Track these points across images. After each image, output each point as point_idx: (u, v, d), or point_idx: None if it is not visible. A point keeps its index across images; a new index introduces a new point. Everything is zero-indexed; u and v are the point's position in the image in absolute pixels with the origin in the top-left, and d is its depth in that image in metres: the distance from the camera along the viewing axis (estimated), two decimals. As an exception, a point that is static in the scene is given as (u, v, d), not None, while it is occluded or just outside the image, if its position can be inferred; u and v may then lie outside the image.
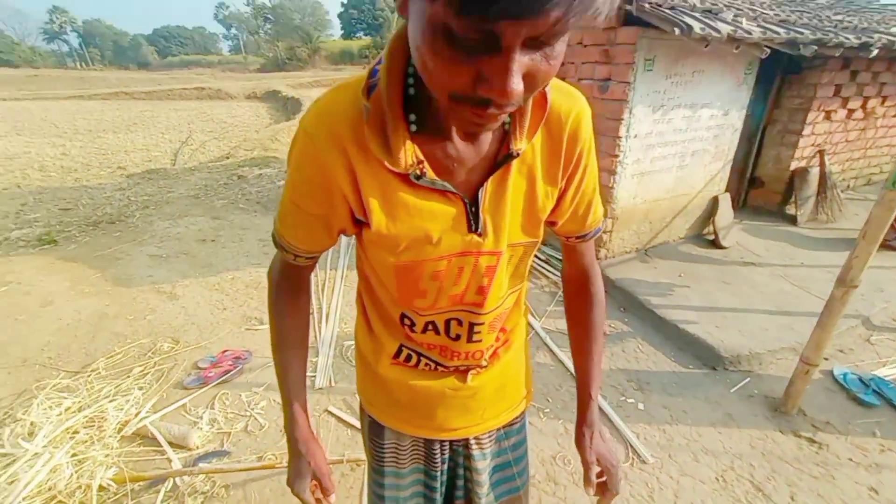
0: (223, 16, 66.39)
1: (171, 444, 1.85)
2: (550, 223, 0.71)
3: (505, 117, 0.47)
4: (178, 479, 1.68)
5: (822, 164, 4.17)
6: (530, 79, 0.40)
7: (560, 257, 3.50)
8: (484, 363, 0.75)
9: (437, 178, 0.55)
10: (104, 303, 2.98)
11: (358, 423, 1.94)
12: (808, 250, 3.63)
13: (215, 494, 1.65)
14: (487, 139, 0.57)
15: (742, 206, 4.69)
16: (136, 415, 1.98)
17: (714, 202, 3.71)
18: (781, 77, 4.02)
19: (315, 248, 0.66)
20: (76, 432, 1.85)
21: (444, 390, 0.75)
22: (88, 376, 2.24)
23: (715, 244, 3.67)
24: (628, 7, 2.58)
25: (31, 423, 1.86)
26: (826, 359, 2.24)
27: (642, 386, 2.24)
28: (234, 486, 1.68)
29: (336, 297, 3.01)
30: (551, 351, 2.49)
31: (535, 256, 3.49)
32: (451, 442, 0.83)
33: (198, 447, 1.85)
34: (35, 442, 1.74)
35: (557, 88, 0.59)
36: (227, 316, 2.85)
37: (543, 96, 0.55)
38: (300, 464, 0.75)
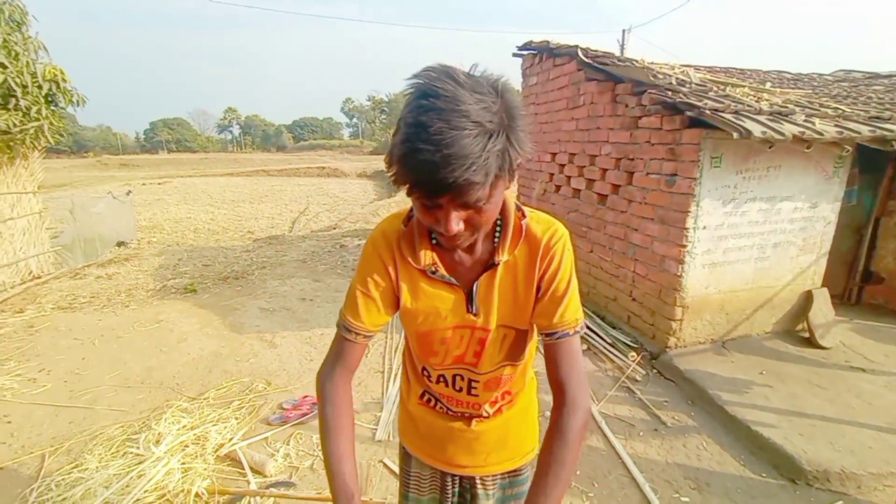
0: (348, 108, 78.44)
1: (251, 468, 2.18)
2: (534, 319, 0.86)
3: (467, 241, 0.75)
4: (252, 499, 1.97)
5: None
6: (469, 222, 0.70)
7: (626, 342, 3.45)
8: (484, 414, 0.97)
9: (446, 274, 0.84)
10: (220, 344, 3.60)
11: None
12: (938, 362, 3.11)
13: (279, 519, 1.90)
14: (483, 251, 0.84)
15: (854, 303, 4.20)
16: (230, 440, 2.37)
17: (807, 297, 3.43)
18: (894, 165, 3.77)
19: (371, 324, 0.86)
20: (186, 446, 2.28)
21: (454, 430, 0.99)
22: (201, 403, 2.74)
23: (811, 343, 3.33)
24: (689, 113, 2.78)
25: (159, 433, 2.35)
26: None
27: (701, 486, 2.09)
28: (295, 515, 1.92)
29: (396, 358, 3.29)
30: (605, 436, 2.45)
31: (601, 339, 3.49)
32: (460, 479, 1.04)
33: (271, 475, 2.15)
34: (160, 448, 2.20)
35: (535, 219, 0.85)
36: (313, 367, 3.27)
37: (520, 226, 0.83)
38: None
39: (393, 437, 2.45)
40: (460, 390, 0.95)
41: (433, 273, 0.84)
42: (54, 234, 6.40)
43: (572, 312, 0.83)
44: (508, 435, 1.01)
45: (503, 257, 0.82)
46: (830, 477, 2.13)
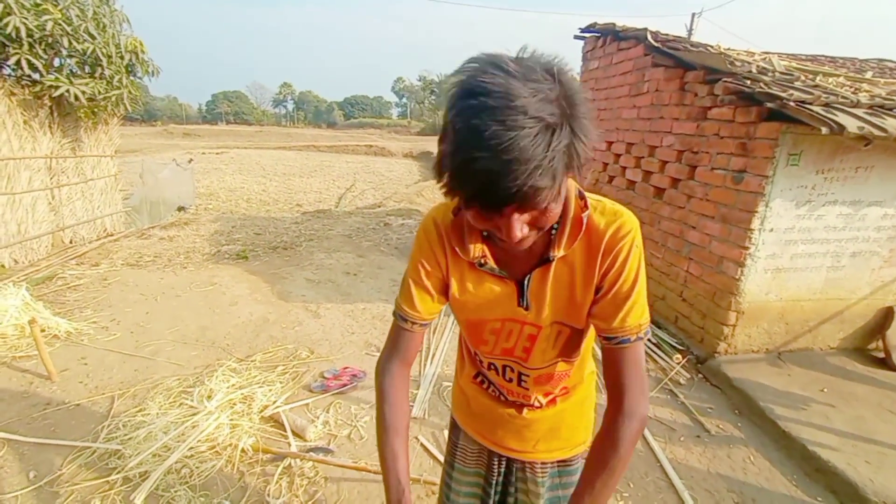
0: (399, 87, 78.66)
1: (293, 432, 2.30)
2: (592, 320, 0.81)
3: (531, 241, 0.69)
4: (293, 461, 2.08)
5: None
6: (533, 224, 0.64)
7: (672, 343, 3.31)
8: (536, 404, 0.95)
9: (496, 266, 0.80)
10: (268, 310, 3.78)
11: (439, 455, 2.15)
12: None
13: (316, 481, 2.00)
14: (538, 243, 0.76)
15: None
16: (274, 402, 2.50)
17: (887, 313, 3.13)
18: None
19: (425, 312, 0.86)
20: (235, 404, 2.43)
21: (504, 415, 0.98)
22: (249, 365, 2.90)
23: (886, 364, 3.05)
24: (770, 105, 2.55)
25: (210, 389, 2.51)
26: None
27: (745, 501, 1.99)
28: (331, 480, 2.01)
29: (444, 340, 3.32)
30: (644, 438, 2.37)
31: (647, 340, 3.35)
32: (508, 459, 1.03)
33: (311, 440, 2.26)
34: (211, 403, 2.35)
35: (600, 210, 0.77)
36: (354, 339, 3.37)
37: (580, 219, 0.75)
38: None
39: (429, 415, 2.50)
40: (510, 381, 0.93)
41: (482, 265, 0.80)
42: (126, 196, 6.91)
43: (636, 317, 0.76)
44: (561, 426, 0.99)
45: (559, 253, 0.76)
46: (895, 509, 1.97)
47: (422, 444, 2.26)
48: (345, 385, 2.72)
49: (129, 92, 5.11)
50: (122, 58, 4.95)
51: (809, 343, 3.15)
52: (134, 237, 5.91)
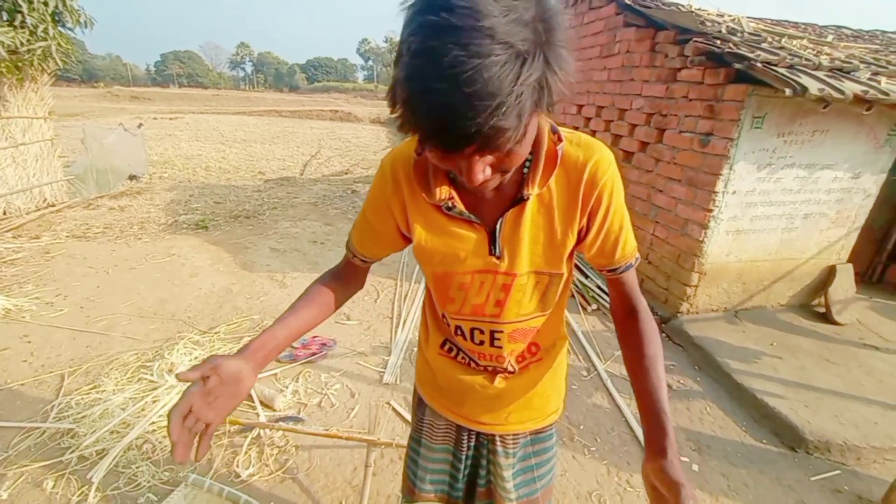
0: (364, 49, 75.17)
1: (261, 402, 2.24)
2: (589, 259, 0.82)
3: (495, 184, 0.63)
4: (262, 431, 2.04)
5: None
6: (497, 166, 0.57)
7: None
8: (510, 369, 0.88)
9: (465, 210, 0.72)
10: (231, 281, 3.63)
11: (410, 419, 2.16)
12: (956, 345, 3.05)
13: (287, 450, 1.97)
14: (510, 182, 0.70)
15: (877, 281, 4.08)
16: (241, 373, 2.43)
17: (829, 272, 3.32)
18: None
19: (369, 254, 0.86)
20: (199, 376, 2.34)
21: (475, 386, 0.90)
22: (212, 336, 2.79)
23: (826, 318, 3.27)
24: (737, 66, 2.55)
25: (171, 363, 2.40)
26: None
27: (701, 448, 2.12)
28: (302, 448, 1.99)
29: (414, 306, 3.30)
30: (609, 394, 2.47)
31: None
32: (477, 434, 0.97)
33: (280, 410, 2.21)
34: (173, 377, 2.25)
35: (575, 142, 0.72)
36: (322, 308, 3.30)
37: (555, 152, 0.69)
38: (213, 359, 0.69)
39: (400, 380, 2.49)
40: (481, 343, 0.86)
41: (449, 209, 0.73)
42: (66, 164, 6.35)
43: (630, 242, 0.80)
44: (534, 395, 0.93)
45: (533, 191, 0.70)
46: (831, 448, 2.14)
47: (393, 409, 2.26)
48: (314, 354, 2.67)
49: (59, 45, 4.59)
50: (45, 4, 4.40)
51: (763, 301, 3.32)
52: (79, 208, 5.49)
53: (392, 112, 0.52)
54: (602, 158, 0.72)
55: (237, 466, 1.85)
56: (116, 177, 7.73)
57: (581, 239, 0.78)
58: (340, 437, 1.98)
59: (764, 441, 2.21)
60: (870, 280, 4.08)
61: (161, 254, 4.05)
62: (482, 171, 0.56)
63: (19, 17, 4.24)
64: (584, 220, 0.75)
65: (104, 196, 6.18)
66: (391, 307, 3.31)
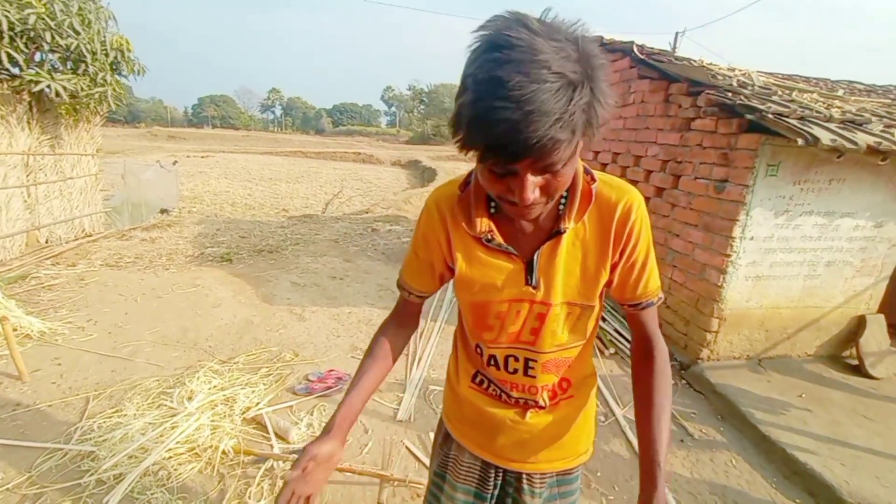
0: (388, 97, 79.02)
1: (275, 434, 2.25)
2: (613, 291, 0.86)
3: (540, 210, 0.70)
4: (275, 463, 2.03)
5: None
6: (545, 189, 0.64)
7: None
8: (542, 403, 0.89)
9: (503, 242, 0.79)
10: (252, 313, 3.71)
11: (423, 458, 2.13)
12: None
13: (299, 484, 1.95)
14: (546, 217, 0.78)
15: (911, 335, 3.92)
16: (257, 404, 2.45)
17: (859, 322, 3.23)
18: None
19: (423, 288, 0.92)
20: (216, 405, 2.37)
21: (506, 420, 0.91)
22: (231, 366, 2.83)
23: (859, 371, 3.14)
24: (749, 116, 2.64)
25: (191, 391, 2.45)
26: None
27: (727, 504, 2.02)
28: (315, 482, 1.97)
29: (430, 345, 3.31)
30: (629, 441, 2.39)
31: (630, 344, 3.40)
32: (504, 472, 0.96)
33: (294, 442, 2.21)
34: (192, 404, 2.29)
35: (608, 183, 0.79)
36: (339, 342, 3.33)
37: (589, 191, 0.77)
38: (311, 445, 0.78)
39: (414, 418, 2.47)
40: (514, 372, 0.88)
41: (489, 241, 0.79)
42: (106, 197, 6.75)
43: (654, 281, 0.84)
44: (564, 432, 0.93)
45: (569, 224, 0.76)
46: (874, 512, 2.01)
47: (407, 448, 2.24)
48: (329, 388, 2.68)
49: (114, 90, 5.02)
50: (106, 55, 4.87)
51: (788, 350, 3.23)
52: (114, 238, 5.77)
53: (454, 136, 0.60)
54: (633, 198, 0.78)
55: (249, 498, 1.84)
56: (149, 210, 8.13)
57: (611, 273, 0.82)
58: (353, 472, 1.96)
59: (797, 500, 2.09)
60: (901, 332, 3.93)
61: (186, 284, 4.19)
62: (532, 190, 0.63)
63: (83, 65, 4.68)
64: (616, 256, 0.80)
65: (137, 228, 6.48)
66: (407, 345, 3.33)
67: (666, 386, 0.84)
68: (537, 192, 0.64)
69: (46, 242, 5.09)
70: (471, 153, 0.61)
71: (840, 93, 3.83)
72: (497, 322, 0.84)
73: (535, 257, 0.79)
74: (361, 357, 0.92)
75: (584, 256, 0.79)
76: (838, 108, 3.01)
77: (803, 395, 2.80)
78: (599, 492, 2.04)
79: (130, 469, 1.88)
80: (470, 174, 0.82)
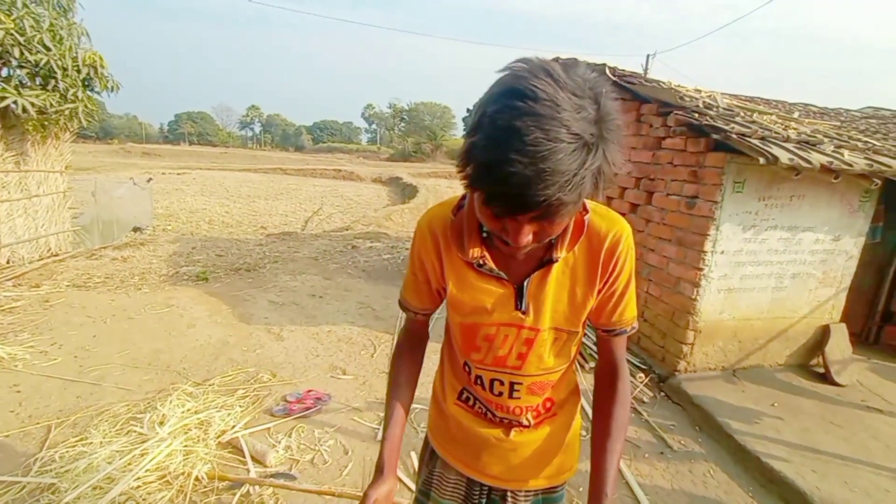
0: (368, 114, 79.46)
1: (252, 457, 2.17)
2: (590, 315, 0.87)
3: (530, 248, 0.71)
4: (252, 487, 1.96)
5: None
6: (538, 234, 0.66)
7: (634, 362, 3.40)
8: (526, 423, 0.91)
9: (494, 267, 0.80)
10: (228, 333, 3.62)
11: (405, 479, 2.09)
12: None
13: (276, 510, 1.89)
14: (537, 248, 0.75)
15: (873, 342, 4.10)
16: (233, 427, 2.37)
17: (824, 331, 3.36)
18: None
19: (424, 305, 0.93)
20: (189, 429, 2.28)
21: (490, 438, 0.92)
22: (206, 389, 2.74)
23: (826, 379, 3.25)
24: (715, 136, 2.77)
25: (163, 415, 2.35)
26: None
27: (706, 514, 2.04)
28: (292, 508, 1.91)
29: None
30: (609, 455, 2.40)
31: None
32: (490, 489, 0.97)
33: (272, 466, 2.14)
34: (163, 429, 2.20)
35: (600, 214, 0.81)
36: (318, 362, 3.27)
37: (582, 221, 0.78)
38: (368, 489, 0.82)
39: (395, 438, 2.43)
40: (500, 395, 0.89)
41: (481, 266, 0.80)
42: (75, 215, 6.52)
43: (631, 310, 0.86)
44: (549, 450, 0.94)
45: (561, 254, 0.78)
46: (842, 518, 2.07)
47: (389, 468, 2.19)
48: (308, 408, 2.62)
49: (85, 106, 4.92)
50: (78, 71, 4.77)
51: (760, 360, 3.32)
52: (82, 257, 5.56)
53: (460, 169, 0.61)
54: (622, 230, 0.81)
55: (223, 527, 1.77)
56: (121, 228, 7.90)
57: (596, 301, 0.84)
58: (333, 494, 1.91)
59: (772, 507, 2.14)
60: (866, 341, 4.10)
61: (160, 304, 4.07)
62: (527, 235, 0.65)
63: (53, 81, 4.58)
64: (601, 284, 0.82)
65: (108, 247, 6.27)
66: (387, 362, 3.29)
67: (624, 417, 0.87)
68: (531, 237, 0.66)
69: (8, 263, 4.87)
70: (472, 190, 0.63)
71: (796, 115, 4.07)
72: (485, 344, 0.86)
73: (525, 284, 0.80)
74: (386, 390, 0.95)
75: (573, 284, 0.81)
76: (794, 129, 3.19)
77: (775, 404, 2.88)
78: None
79: (95, 501, 1.78)
80: (463, 198, 0.83)
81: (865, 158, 2.82)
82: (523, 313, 0.81)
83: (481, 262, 0.80)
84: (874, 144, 3.22)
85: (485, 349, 0.86)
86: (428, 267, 0.88)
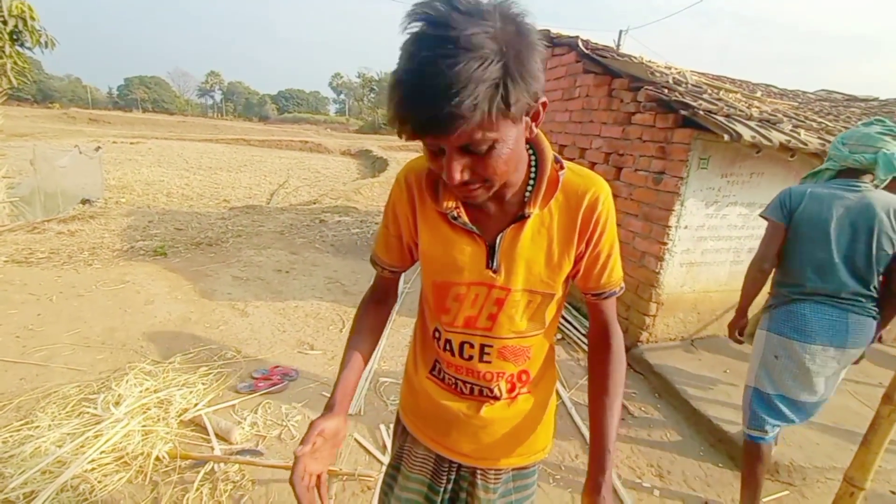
0: (336, 84, 76.45)
1: (216, 435, 2.12)
2: (577, 280, 0.86)
3: (481, 195, 0.69)
4: (216, 465, 1.92)
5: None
6: (474, 171, 0.64)
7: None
8: (498, 393, 0.87)
9: (468, 221, 0.78)
10: (190, 310, 3.48)
11: (374, 451, 2.10)
12: (891, 370, 3.29)
13: (243, 485, 1.86)
14: (514, 202, 0.78)
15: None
16: (195, 405, 2.30)
17: (774, 303, 3.55)
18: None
19: (392, 261, 0.92)
20: (148, 409, 2.19)
21: (460, 414, 0.89)
22: (166, 367, 2.63)
23: (774, 348, 3.46)
24: (683, 112, 2.80)
25: (119, 395, 2.25)
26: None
27: (662, 473, 2.16)
28: (260, 483, 1.88)
29: (382, 337, 3.25)
30: (574, 422, 2.49)
31: (575, 329, 3.54)
32: (459, 466, 0.94)
33: (237, 443, 2.10)
34: (119, 410, 2.10)
35: (576, 172, 0.80)
36: (285, 338, 3.20)
37: (556, 178, 0.77)
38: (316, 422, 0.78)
39: (364, 411, 2.43)
40: (469, 358, 0.86)
41: (455, 218, 0.78)
42: (10, 185, 6.02)
43: (618, 271, 0.86)
44: (522, 428, 0.92)
45: (534, 210, 0.76)
46: (780, 469, 2.24)
47: (356, 440, 2.19)
48: (274, 385, 2.57)
49: (15, 63, 4.46)
50: (4, 23, 4.29)
51: (716, 330, 3.50)
52: (22, 231, 5.16)
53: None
54: (601, 189, 0.79)
55: (187, 505, 1.73)
56: (67, 200, 7.37)
57: (576, 263, 0.83)
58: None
59: (720, 465, 2.29)
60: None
61: (114, 281, 3.85)
62: (459, 170, 0.63)
63: (-25, 34, 4.11)
64: (582, 246, 0.80)
65: (52, 220, 5.84)
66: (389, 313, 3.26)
67: (620, 373, 0.87)
68: (467, 174, 0.65)
69: (-62, 236, 4.46)
70: (395, 129, 0.62)
71: (758, 94, 4.17)
72: (455, 304, 0.83)
73: (497, 241, 0.78)
74: (346, 341, 0.92)
75: (549, 244, 0.79)
76: (757, 107, 3.27)
77: (728, 371, 3.06)
78: (547, 472, 2.11)
79: (44, 486, 1.69)
80: None
81: (818, 138, 2.93)
82: (494, 272, 0.79)
83: (455, 213, 0.77)
84: (827, 125, 3.35)
85: (454, 310, 0.83)
86: (401, 219, 0.86)
